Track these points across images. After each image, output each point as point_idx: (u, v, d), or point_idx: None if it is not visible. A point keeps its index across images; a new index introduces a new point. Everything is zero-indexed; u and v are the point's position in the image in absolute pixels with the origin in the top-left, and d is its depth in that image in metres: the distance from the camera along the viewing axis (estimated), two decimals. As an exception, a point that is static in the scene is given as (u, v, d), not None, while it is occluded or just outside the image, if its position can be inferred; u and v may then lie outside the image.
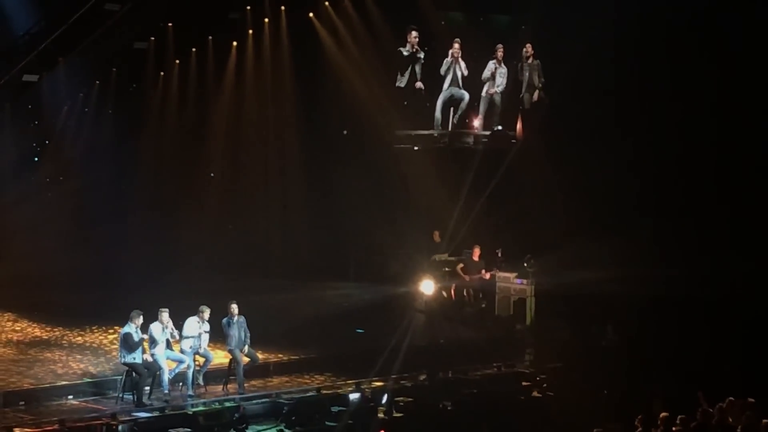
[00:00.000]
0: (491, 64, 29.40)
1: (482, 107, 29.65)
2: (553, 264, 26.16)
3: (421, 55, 29.16)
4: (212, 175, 34.17)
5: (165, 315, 20.41)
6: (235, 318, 21.05)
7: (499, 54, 29.32)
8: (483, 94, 29.53)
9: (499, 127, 29.38)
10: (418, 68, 29.13)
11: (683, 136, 25.92)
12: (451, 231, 28.78)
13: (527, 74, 29.50)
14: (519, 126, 29.47)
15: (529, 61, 29.43)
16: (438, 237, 29.51)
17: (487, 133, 29.55)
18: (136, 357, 19.86)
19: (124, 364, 19.94)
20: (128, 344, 19.83)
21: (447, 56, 29.08)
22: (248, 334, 21.19)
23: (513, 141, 29.35)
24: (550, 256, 26.34)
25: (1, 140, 32.59)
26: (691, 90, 25.68)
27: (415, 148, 29.73)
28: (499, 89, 29.52)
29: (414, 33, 28.95)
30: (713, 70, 25.53)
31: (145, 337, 20.06)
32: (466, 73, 29.12)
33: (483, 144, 29.62)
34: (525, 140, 29.16)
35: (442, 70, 29.23)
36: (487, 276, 27.69)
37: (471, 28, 29.86)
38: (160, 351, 20.26)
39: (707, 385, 17.95)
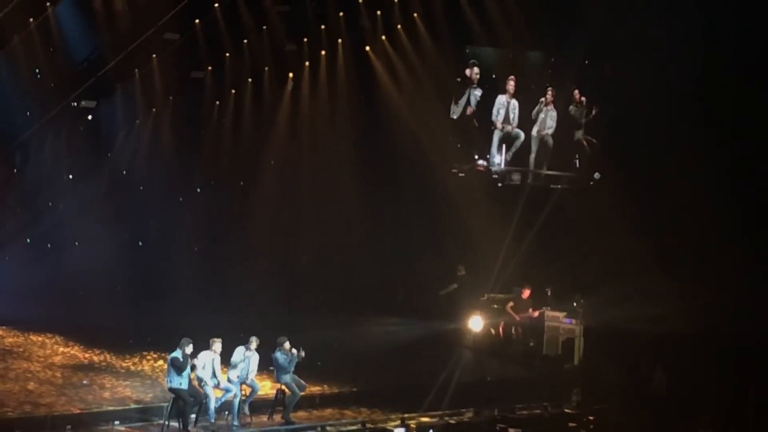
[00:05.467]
0: (539, 105, 29.74)
1: (534, 147, 29.98)
2: (603, 302, 25.99)
3: (478, 91, 29.44)
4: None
5: (217, 344, 20.46)
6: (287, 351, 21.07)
7: (549, 96, 29.64)
8: (534, 134, 29.85)
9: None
10: (473, 101, 29.46)
11: (735, 177, 25.72)
12: (499, 267, 28.68)
13: (576, 117, 29.83)
14: None
15: (577, 105, 29.72)
16: (463, 271, 29.54)
17: (544, 172, 29.84)
18: (183, 383, 19.86)
19: (170, 389, 19.97)
20: (174, 369, 19.86)
21: (501, 93, 29.39)
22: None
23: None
24: (600, 294, 26.18)
25: (58, 165, 33.02)
26: (742, 131, 25.57)
27: (476, 183, 29.99)
28: (550, 131, 29.85)
29: (476, 69, 29.36)
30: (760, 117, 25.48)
31: (195, 361, 20.06)
32: (517, 111, 29.46)
33: (537, 182, 29.86)
34: (578, 179, 29.32)
35: (497, 108, 29.52)
36: (536, 314, 27.56)
37: (505, 64, 30.12)
38: (207, 379, 20.29)
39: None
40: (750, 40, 25.13)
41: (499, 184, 30.41)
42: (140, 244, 33.89)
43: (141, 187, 33.70)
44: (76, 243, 33.05)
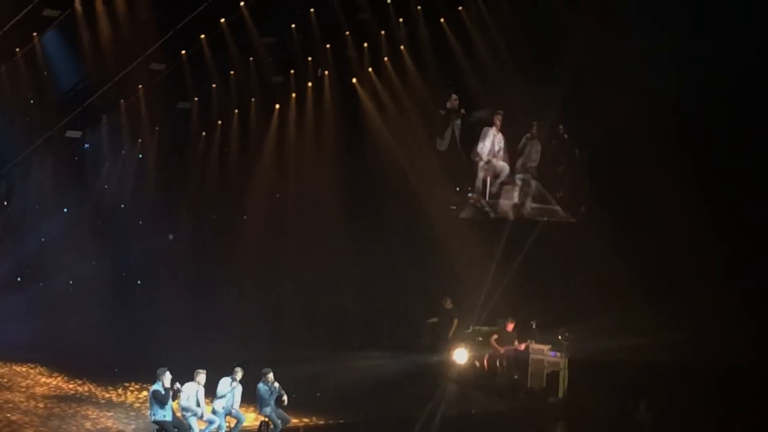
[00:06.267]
0: (524, 139, 29.92)
1: (519, 180, 30.03)
2: (588, 335, 25.96)
3: (459, 120, 29.61)
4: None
5: (201, 376, 20.39)
6: (270, 384, 21.02)
7: (534, 130, 29.80)
8: (518, 167, 29.98)
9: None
10: (457, 132, 29.59)
11: (718, 210, 25.77)
12: (483, 300, 28.67)
13: (560, 151, 30.00)
14: None
15: (561, 139, 29.89)
16: (449, 304, 29.51)
17: (529, 205, 29.96)
18: (167, 415, 19.79)
19: (154, 422, 19.89)
20: (158, 402, 19.77)
21: (487, 125, 29.60)
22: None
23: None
24: (585, 326, 26.16)
25: (43, 195, 32.95)
26: (725, 165, 25.71)
27: (461, 216, 30.08)
28: (534, 164, 30.01)
29: (454, 96, 29.55)
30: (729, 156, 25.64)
31: (178, 388, 19.96)
32: (503, 144, 29.60)
33: (522, 215, 29.97)
34: (563, 212, 29.43)
35: (482, 140, 29.66)
36: (522, 347, 27.51)
37: (490, 97, 30.32)
38: (191, 410, 20.20)
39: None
40: (732, 73, 25.23)
41: (489, 216, 30.50)
42: (138, 283, 33.88)
43: (133, 219, 33.63)
44: (70, 281, 33.00)
